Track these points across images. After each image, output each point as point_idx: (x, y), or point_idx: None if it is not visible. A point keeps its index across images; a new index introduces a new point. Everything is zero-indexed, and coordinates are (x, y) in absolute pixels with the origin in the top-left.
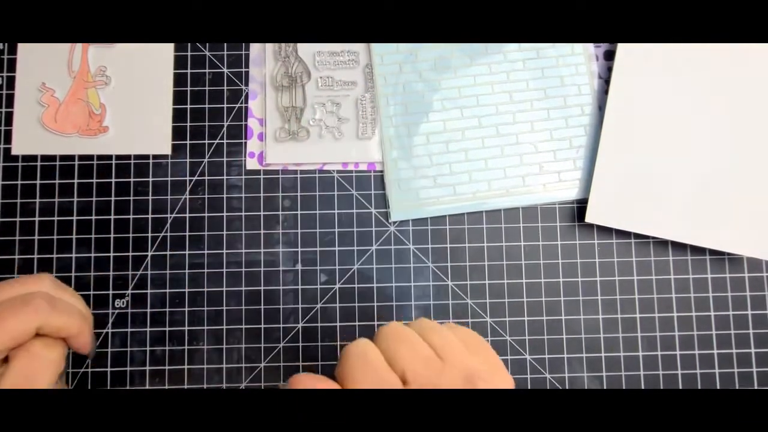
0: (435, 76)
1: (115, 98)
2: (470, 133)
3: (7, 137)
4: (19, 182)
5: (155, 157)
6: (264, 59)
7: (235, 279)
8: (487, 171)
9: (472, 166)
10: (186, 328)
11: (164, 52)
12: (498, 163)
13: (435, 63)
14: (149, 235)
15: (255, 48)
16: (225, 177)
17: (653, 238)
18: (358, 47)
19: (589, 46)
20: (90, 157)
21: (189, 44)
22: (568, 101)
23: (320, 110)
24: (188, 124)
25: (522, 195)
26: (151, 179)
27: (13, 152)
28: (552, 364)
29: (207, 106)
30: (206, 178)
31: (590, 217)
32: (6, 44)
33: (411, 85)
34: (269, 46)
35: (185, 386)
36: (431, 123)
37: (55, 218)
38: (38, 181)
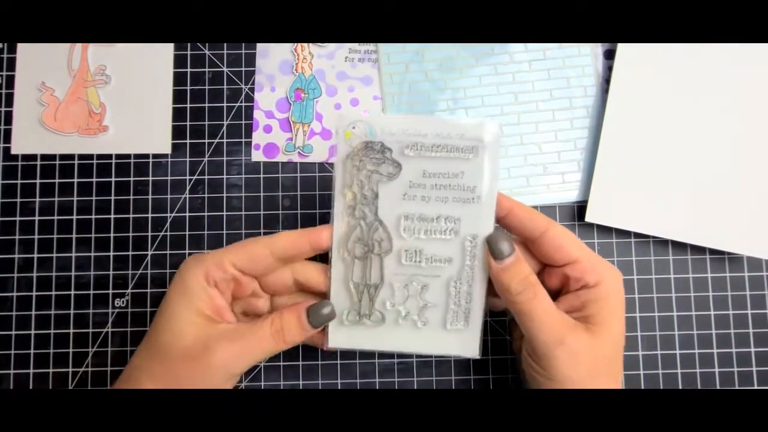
0: (441, 76)
1: (114, 97)
2: None
3: (7, 136)
4: (19, 181)
5: (155, 156)
6: (333, 207)
7: None
8: None
9: None
10: None
11: (164, 52)
12: (502, 163)
13: (441, 63)
14: (149, 234)
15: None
16: (225, 176)
17: (653, 237)
18: (458, 212)
19: (596, 47)
20: (90, 157)
21: (189, 44)
22: (573, 103)
23: (401, 292)
24: (188, 123)
25: (525, 195)
26: (151, 178)
27: (13, 151)
28: None
29: (207, 105)
30: (206, 177)
31: (590, 217)
32: (6, 44)
33: (417, 84)
34: (339, 204)
35: None
36: None
37: (55, 217)
38: (38, 180)
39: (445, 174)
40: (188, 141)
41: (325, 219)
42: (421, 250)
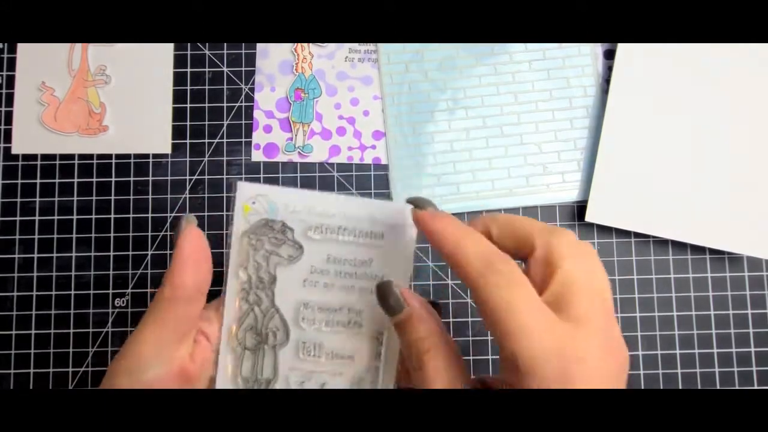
0: (441, 76)
1: (115, 97)
2: (475, 133)
3: (7, 136)
4: (19, 181)
5: (155, 156)
6: (225, 288)
7: None
8: (491, 171)
9: (476, 165)
10: None
11: (164, 52)
12: (502, 163)
13: (441, 63)
14: (149, 234)
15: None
16: (225, 176)
17: (653, 237)
18: (363, 303)
19: (596, 47)
20: (90, 156)
21: (189, 44)
22: (573, 102)
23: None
24: (188, 123)
25: (525, 195)
26: (151, 178)
27: (13, 151)
28: None
29: (207, 105)
30: (206, 177)
31: (590, 216)
32: (6, 44)
33: (417, 84)
34: (232, 286)
35: None
36: (436, 122)
37: (55, 217)
38: (38, 180)
39: (351, 261)
40: (188, 141)
41: None
42: (321, 343)
